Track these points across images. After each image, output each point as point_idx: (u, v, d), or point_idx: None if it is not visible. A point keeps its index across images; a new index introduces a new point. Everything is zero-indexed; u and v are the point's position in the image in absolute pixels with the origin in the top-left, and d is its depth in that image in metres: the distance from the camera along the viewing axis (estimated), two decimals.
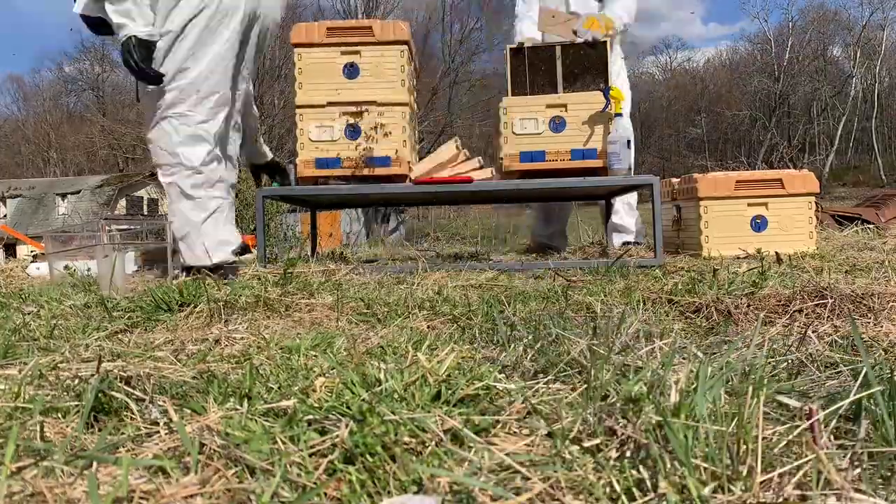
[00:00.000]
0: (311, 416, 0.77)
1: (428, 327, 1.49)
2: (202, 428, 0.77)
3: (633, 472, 0.63)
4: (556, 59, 3.25)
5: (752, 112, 37.16)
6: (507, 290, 2.03)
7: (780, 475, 0.61)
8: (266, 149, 3.06)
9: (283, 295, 1.89)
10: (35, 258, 3.80)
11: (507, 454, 0.68)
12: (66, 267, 2.64)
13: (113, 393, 0.86)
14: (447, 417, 0.74)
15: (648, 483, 0.61)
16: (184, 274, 2.39)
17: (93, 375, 0.95)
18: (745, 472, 0.61)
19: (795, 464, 0.62)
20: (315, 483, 0.64)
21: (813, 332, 1.26)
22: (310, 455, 0.68)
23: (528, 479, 0.64)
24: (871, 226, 5.23)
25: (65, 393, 0.92)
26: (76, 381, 0.96)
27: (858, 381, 0.81)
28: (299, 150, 3.16)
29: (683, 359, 1.09)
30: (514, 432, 0.77)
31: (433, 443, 0.70)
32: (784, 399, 0.78)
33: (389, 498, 0.60)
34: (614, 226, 4.13)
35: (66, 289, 2.27)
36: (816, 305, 1.50)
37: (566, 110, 3.21)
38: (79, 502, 0.61)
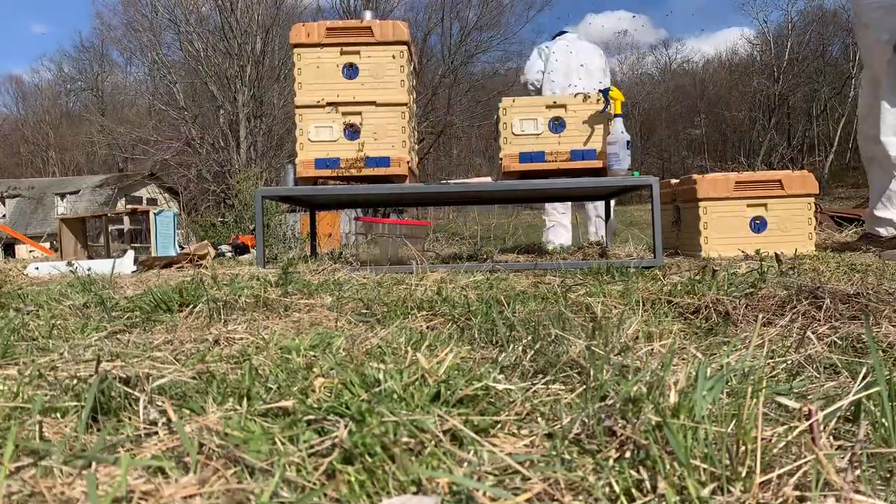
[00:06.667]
0: (310, 417, 0.77)
1: (427, 327, 1.49)
2: (201, 428, 0.77)
3: (633, 472, 0.63)
4: None
5: (751, 113, 37.14)
6: (507, 291, 2.03)
7: (780, 476, 0.61)
8: None
9: (282, 295, 1.89)
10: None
11: (506, 454, 0.68)
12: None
13: (112, 393, 0.86)
14: (446, 418, 0.74)
15: (648, 484, 0.61)
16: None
17: (92, 375, 0.95)
18: (744, 473, 0.61)
19: (794, 464, 0.62)
20: (314, 483, 0.64)
21: (812, 333, 1.26)
22: (309, 455, 0.68)
23: (528, 479, 0.64)
24: None
25: (64, 393, 0.92)
26: (75, 381, 0.96)
27: (858, 382, 0.81)
28: (299, 150, 3.16)
29: (682, 359, 1.09)
30: (514, 433, 0.77)
31: (432, 443, 0.70)
32: (783, 400, 0.78)
33: (389, 498, 0.60)
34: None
35: (65, 288, 2.26)
36: (815, 307, 1.50)
37: (566, 111, 3.21)
38: (77, 502, 0.61)
